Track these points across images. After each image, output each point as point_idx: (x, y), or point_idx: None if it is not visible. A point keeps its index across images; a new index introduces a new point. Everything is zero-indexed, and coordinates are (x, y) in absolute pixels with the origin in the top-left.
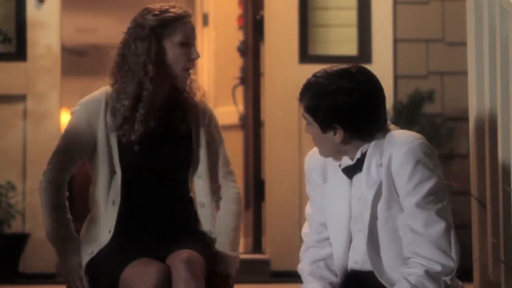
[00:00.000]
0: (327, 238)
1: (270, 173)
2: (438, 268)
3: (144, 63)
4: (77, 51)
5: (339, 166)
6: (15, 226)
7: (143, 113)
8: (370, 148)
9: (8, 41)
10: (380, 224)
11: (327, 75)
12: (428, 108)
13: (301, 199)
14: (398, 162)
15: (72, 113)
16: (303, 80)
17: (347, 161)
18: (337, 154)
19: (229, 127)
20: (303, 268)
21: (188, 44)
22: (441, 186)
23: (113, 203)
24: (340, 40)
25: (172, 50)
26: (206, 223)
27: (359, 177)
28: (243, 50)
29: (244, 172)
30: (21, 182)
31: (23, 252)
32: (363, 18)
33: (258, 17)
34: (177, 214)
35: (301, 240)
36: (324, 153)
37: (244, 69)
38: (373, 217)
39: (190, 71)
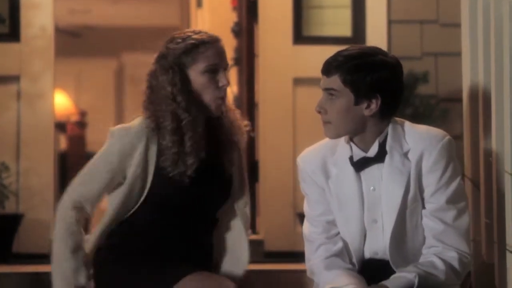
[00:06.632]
0: (337, 234)
1: (265, 154)
2: (468, 257)
3: (173, 94)
4: (70, 32)
5: (350, 158)
6: (9, 207)
7: (190, 145)
8: (389, 139)
9: (1, 21)
10: (407, 215)
11: (363, 49)
12: (422, 89)
13: (295, 180)
14: (432, 160)
15: (109, 138)
16: (297, 61)
17: (359, 153)
18: (354, 132)
19: None
20: (316, 263)
21: (215, 70)
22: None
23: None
24: (334, 22)
25: (197, 79)
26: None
27: (373, 168)
28: (237, 31)
29: None
30: (15, 163)
31: (17, 233)
32: None
33: None
34: (205, 250)
35: (295, 220)
36: (342, 129)
37: (238, 51)
38: (403, 208)
39: (221, 100)
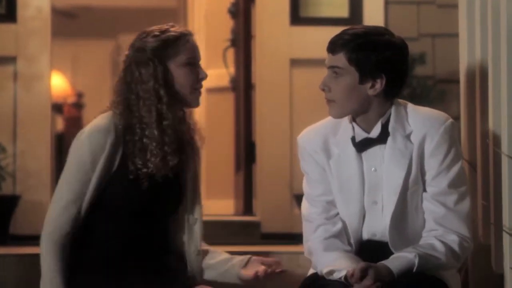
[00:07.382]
0: (336, 214)
1: (261, 136)
2: (468, 242)
3: (154, 89)
4: (67, 13)
5: (352, 139)
6: (6, 188)
7: (170, 144)
8: (392, 120)
9: None
10: (408, 197)
11: (370, 29)
12: (419, 71)
13: (292, 161)
14: (435, 143)
15: (76, 143)
16: (294, 42)
17: (362, 133)
18: (357, 111)
19: (220, 90)
20: (315, 244)
21: (194, 63)
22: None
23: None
24: (331, 2)
25: (178, 72)
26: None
27: (375, 149)
28: (234, 12)
29: (235, 134)
30: (11, 144)
31: (14, 214)
32: None
33: None
34: (160, 259)
35: (292, 202)
36: (346, 108)
37: (235, 31)
38: (404, 190)
39: (199, 92)
